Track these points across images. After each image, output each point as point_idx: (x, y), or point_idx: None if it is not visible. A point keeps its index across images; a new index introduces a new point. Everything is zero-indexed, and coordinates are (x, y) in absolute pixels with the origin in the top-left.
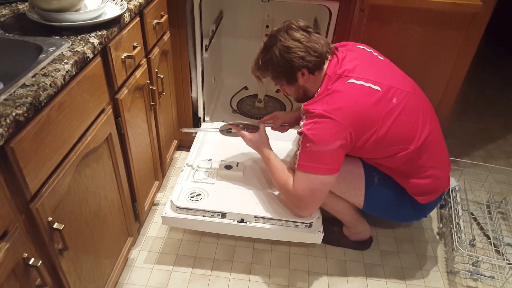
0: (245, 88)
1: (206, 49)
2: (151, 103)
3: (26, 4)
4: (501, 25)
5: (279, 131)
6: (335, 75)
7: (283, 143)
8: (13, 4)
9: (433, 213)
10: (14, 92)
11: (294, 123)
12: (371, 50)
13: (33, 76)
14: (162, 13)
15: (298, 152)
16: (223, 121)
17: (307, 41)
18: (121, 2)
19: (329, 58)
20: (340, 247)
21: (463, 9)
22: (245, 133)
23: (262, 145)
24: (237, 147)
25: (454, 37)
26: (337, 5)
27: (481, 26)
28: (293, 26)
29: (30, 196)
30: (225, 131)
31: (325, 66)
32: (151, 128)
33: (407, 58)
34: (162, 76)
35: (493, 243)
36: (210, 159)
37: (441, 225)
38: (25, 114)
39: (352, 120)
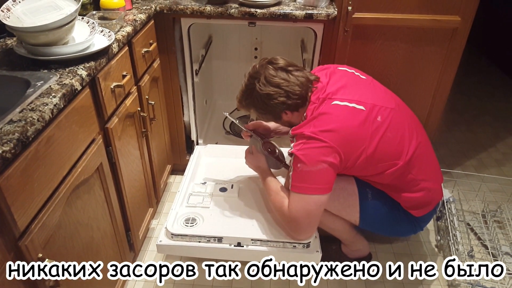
0: (237, 109)
1: (197, 74)
2: (143, 130)
3: (15, 39)
4: (485, 36)
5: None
6: (319, 100)
7: None
8: (1, 40)
9: (430, 226)
10: (1, 128)
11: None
12: (352, 71)
13: (21, 111)
14: (151, 41)
15: (290, 173)
16: (216, 143)
17: (286, 84)
18: (109, 33)
19: (312, 91)
20: None
21: (443, 25)
22: (248, 153)
23: (261, 165)
24: (231, 169)
25: (436, 52)
26: (322, 26)
27: (462, 40)
28: (271, 68)
29: (19, 233)
30: (240, 124)
31: (308, 97)
32: (143, 154)
33: (392, 74)
34: (153, 102)
35: (491, 253)
36: (205, 182)
37: (438, 237)
38: (12, 151)
39: (340, 141)
